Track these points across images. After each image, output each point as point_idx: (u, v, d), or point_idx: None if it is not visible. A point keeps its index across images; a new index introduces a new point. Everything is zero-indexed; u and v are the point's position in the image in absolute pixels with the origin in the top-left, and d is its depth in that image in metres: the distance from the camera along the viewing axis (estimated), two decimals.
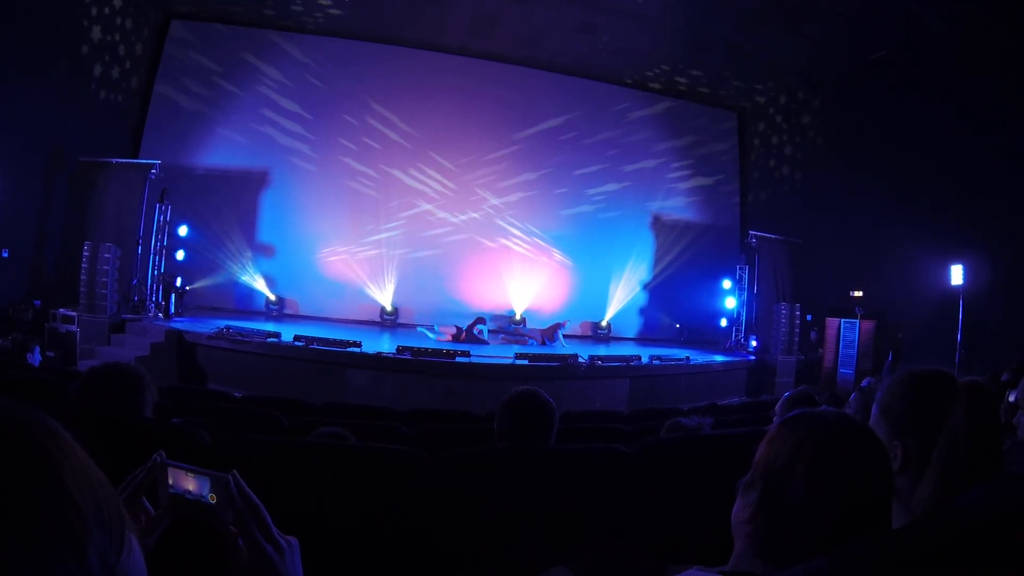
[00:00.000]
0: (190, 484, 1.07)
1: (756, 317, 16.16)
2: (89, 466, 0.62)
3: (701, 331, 17.14)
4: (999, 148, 11.54)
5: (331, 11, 14.74)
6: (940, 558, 0.94)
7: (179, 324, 11.97)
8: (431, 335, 13.60)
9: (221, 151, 15.39)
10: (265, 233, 15.69)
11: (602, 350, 13.43)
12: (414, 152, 16.41)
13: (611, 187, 17.50)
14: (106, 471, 0.64)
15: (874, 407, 1.70)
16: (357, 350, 10.49)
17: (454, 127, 16.51)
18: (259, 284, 15.38)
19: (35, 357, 6.16)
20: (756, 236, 15.77)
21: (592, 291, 17.25)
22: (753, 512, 1.19)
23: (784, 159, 17.28)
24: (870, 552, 0.99)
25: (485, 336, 13.92)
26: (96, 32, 12.90)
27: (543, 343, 14.43)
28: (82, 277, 11.65)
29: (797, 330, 14.78)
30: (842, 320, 14.13)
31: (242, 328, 11.11)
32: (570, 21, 14.15)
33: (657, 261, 17.73)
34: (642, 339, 17.31)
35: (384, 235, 16.10)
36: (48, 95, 11.72)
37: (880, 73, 13.63)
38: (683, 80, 17.09)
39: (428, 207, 16.48)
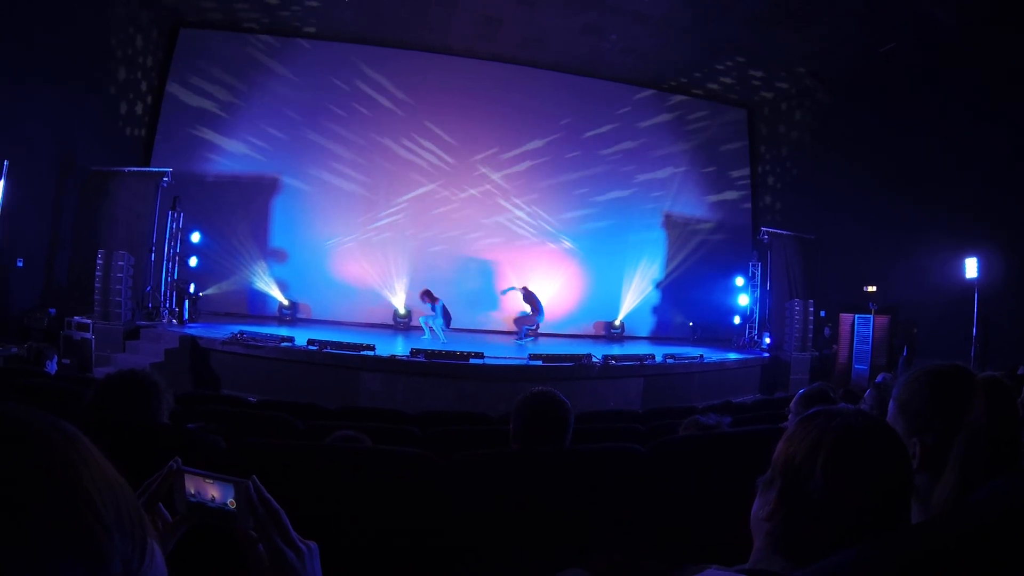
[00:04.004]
0: (209, 491, 1.07)
1: (769, 314, 16.11)
2: (110, 473, 0.62)
3: (714, 329, 17.10)
4: (1012, 140, 11.46)
5: (339, 15, 14.77)
6: (961, 552, 0.94)
7: (193, 330, 12.02)
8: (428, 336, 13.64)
9: (232, 157, 15.46)
10: (277, 238, 15.74)
11: (616, 349, 13.39)
12: (428, 152, 16.45)
13: (621, 186, 17.45)
14: (124, 477, 0.64)
15: (891, 404, 1.69)
16: (370, 353, 10.51)
17: (465, 128, 16.54)
18: (272, 289, 15.44)
19: (52, 365, 6.18)
20: (768, 233, 15.73)
21: (605, 291, 17.22)
22: (772, 510, 1.19)
23: (795, 155, 17.21)
24: (891, 547, 0.98)
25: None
26: (107, 41, 12.99)
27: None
28: (96, 285, 11.75)
29: (811, 326, 14.73)
30: (856, 316, 14.07)
31: (255, 333, 11.13)
32: (576, 22, 14.13)
33: (669, 260, 17.68)
34: (655, 338, 17.27)
35: (396, 238, 16.13)
36: (59, 104, 11.79)
37: (890, 67, 13.55)
38: (691, 78, 17.04)
39: (441, 202, 16.50)
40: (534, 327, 14.71)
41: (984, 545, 0.94)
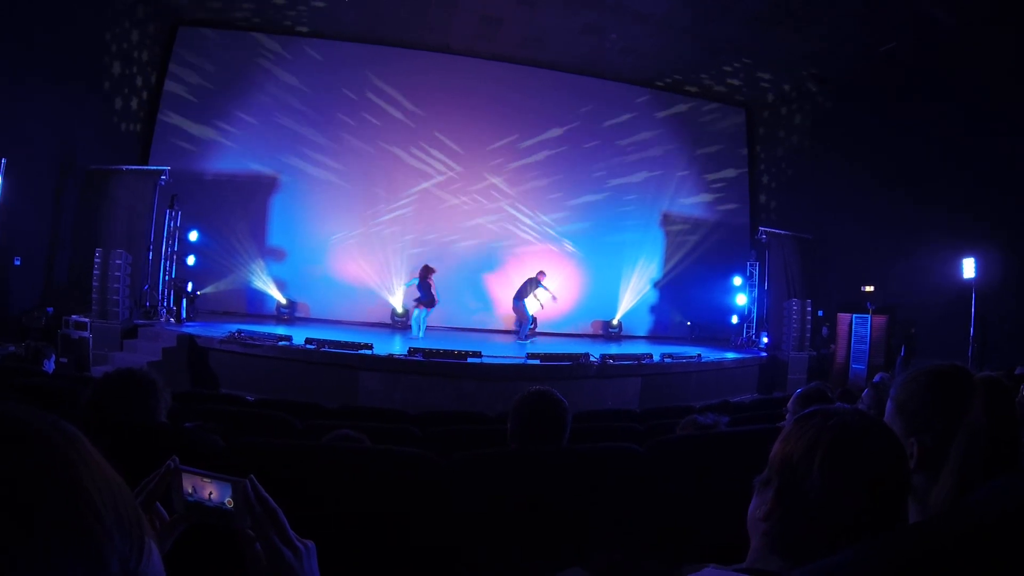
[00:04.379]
0: (207, 489, 1.07)
1: (767, 314, 16.12)
2: (108, 472, 0.62)
3: (712, 328, 17.09)
4: (1011, 141, 11.46)
5: (339, 15, 14.77)
6: (960, 552, 0.94)
7: (191, 329, 12.00)
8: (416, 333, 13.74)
9: (230, 156, 15.44)
10: (275, 237, 15.73)
11: (613, 349, 13.39)
12: (426, 152, 16.45)
13: (619, 186, 17.45)
14: (122, 476, 0.64)
15: (889, 404, 1.69)
16: (369, 352, 10.50)
17: (464, 126, 16.53)
18: (270, 288, 15.43)
19: (50, 364, 6.18)
20: (766, 232, 15.73)
21: (602, 290, 17.22)
22: (769, 509, 1.19)
23: (793, 155, 17.21)
24: (888, 547, 0.98)
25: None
26: (105, 40, 12.98)
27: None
28: (94, 283, 11.73)
29: (808, 326, 14.73)
30: (853, 315, 14.07)
31: (253, 332, 11.12)
32: (575, 22, 14.13)
33: (667, 259, 17.68)
34: (653, 337, 17.27)
35: (395, 236, 16.12)
36: (58, 103, 11.79)
37: (890, 67, 13.56)
38: (691, 78, 17.06)
39: (440, 200, 16.50)
40: (528, 323, 14.61)
41: (983, 545, 0.94)
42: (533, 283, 14.35)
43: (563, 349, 12.11)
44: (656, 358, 12.03)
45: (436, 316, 14.64)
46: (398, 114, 16.32)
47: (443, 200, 16.51)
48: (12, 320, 11.00)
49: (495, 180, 16.77)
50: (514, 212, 16.87)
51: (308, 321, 15.22)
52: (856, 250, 14.77)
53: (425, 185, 16.45)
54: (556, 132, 17.04)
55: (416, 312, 13.93)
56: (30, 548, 0.52)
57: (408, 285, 14.76)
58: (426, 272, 13.80)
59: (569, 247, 17.13)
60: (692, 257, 17.63)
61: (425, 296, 13.72)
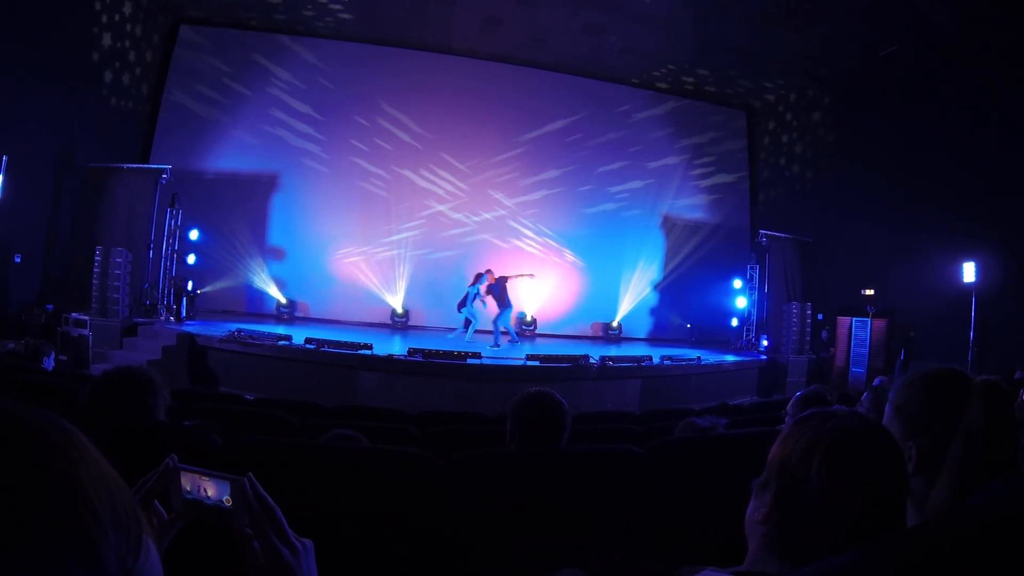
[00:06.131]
0: (205, 488, 1.07)
1: (767, 316, 16.10)
2: (106, 470, 0.62)
3: (712, 331, 17.07)
4: (1011, 143, 11.44)
5: (340, 14, 14.78)
6: (958, 555, 0.94)
7: (190, 327, 11.99)
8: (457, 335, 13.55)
9: (231, 155, 15.44)
10: (276, 236, 15.74)
11: (613, 351, 13.38)
12: (425, 153, 16.44)
13: (620, 188, 17.46)
14: (120, 474, 0.64)
15: (887, 407, 1.69)
16: (368, 352, 10.49)
17: (464, 129, 16.52)
18: (270, 287, 15.43)
19: (49, 362, 6.17)
20: (766, 235, 15.71)
21: (602, 292, 17.21)
22: (768, 512, 1.19)
23: (794, 157, 17.20)
24: (887, 550, 0.98)
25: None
26: (106, 38, 12.97)
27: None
28: (94, 281, 11.71)
29: (808, 329, 14.71)
30: (853, 319, 14.05)
31: (253, 331, 11.12)
32: (576, 22, 14.14)
33: (667, 261, 17.67)
34: (653, 339, 17.25)
35: (395, 237, 16.12)
36: (58, 101, 11.77)
37: (890, 70, 13.54)
38: (691, 79, 17.06)
39: (439, 208, 16.50)
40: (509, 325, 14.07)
41: (981, 548, 0.94)
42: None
43: (563, 350, 12.10)
44: (656, 360, 12.03)
45: (436, 317, 14.63)
46: (404, 116, 16.33)
47: (444, 200, 16.54)
48: (11, 317, 10.99)
49: (496, 180, 16.78)
50: (517, 214, 16.87)
51: (308, 321, 15.21)
52: (856, 253, 14.73)
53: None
54: (555, 135, 17.03)
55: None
56: (28, 546, 0.52)
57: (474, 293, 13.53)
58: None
59: (568, 248, 17.13)
60: (692, 259, 17.62)
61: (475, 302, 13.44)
